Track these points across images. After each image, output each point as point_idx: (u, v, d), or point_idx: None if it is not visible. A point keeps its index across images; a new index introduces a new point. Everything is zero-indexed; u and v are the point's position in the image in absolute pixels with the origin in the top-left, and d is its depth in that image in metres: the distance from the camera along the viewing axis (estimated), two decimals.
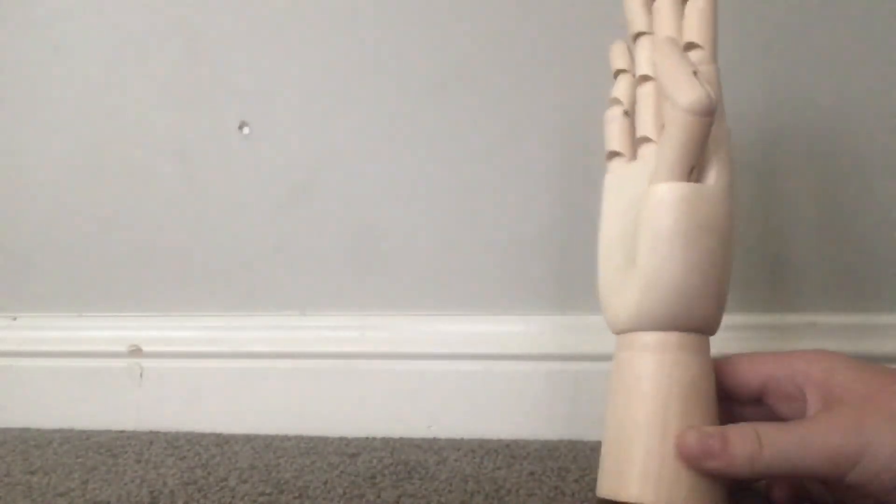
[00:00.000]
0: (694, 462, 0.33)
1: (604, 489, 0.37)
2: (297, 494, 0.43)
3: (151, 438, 0.56)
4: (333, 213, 0.60)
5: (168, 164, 0.62)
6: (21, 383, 0.63)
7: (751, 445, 0.32)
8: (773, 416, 0.36)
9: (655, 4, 0.41)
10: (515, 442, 0.53)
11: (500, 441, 0.53)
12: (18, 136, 0.64)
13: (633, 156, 0.43)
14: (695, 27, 0.39)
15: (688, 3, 0.40)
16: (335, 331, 0.59)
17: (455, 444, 0.53)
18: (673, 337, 0.36)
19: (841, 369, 0.33)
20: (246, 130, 0.61)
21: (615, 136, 0.43)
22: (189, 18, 0.60)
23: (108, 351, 0.61)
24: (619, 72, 0.45)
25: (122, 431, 0.59)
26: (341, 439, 0.55)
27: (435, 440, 0.54)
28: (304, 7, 0.59)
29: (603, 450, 0.38)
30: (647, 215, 0.36)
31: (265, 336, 0.60)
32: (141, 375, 0.61)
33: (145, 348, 0.61)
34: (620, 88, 0.44)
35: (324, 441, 0.55)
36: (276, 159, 0.60)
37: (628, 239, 0.39)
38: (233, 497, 0.42)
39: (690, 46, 0.39)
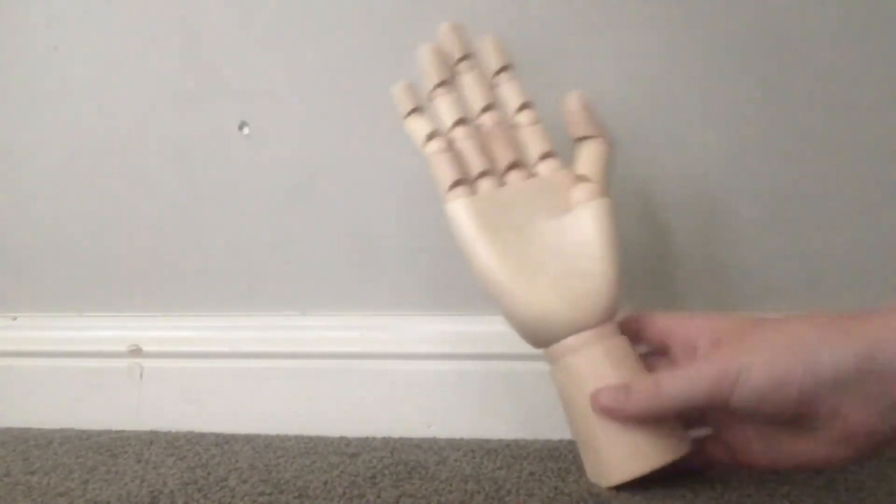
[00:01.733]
0: (609, 414, 0.40)
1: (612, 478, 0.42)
2: (297, 494, 0.43)
3: (151, 438, 0.56)
4: (333, 213, 0.60)
5: (168, 164, 0.62)
6: (21, 383, 0.63)
7: (651, 388, 0.39)
8: (676, 364, 0.43)
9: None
10: (515, 442, 0.53)
11: (500, 441, 0.54)
12: (18, 136, 0.64)
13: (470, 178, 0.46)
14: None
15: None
16: (335, 331, 0.59)
17: (455, 444, 0.53)
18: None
19: (724, 322, 0.41)
20: (246, 130, 0.61)
21: (455, 166, 0.45)
22: (189, 18, 0.60)
23: (108, 351, 0.62)
24: (414, 111, 0.47)
25: (122, 431, 0.59)
26: (341, 439, 0.55)
27: (435, 440, 0.54)
28: (304, 7, 0.59)
29: (588, 444, 0.43)
30: (597, 224, 0.44)
31: (265, 336, 0.60)
32: (141, 375, 0.61)
33: (145, 348, 0.61)
34: (428, 126, 0.47)
35: (324, 441, 0.55)
36: (276, 159, 0.60)
37: (550, 251, 0.44)
38: (233, 497, 0.42)
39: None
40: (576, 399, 0.42)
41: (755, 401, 0.36)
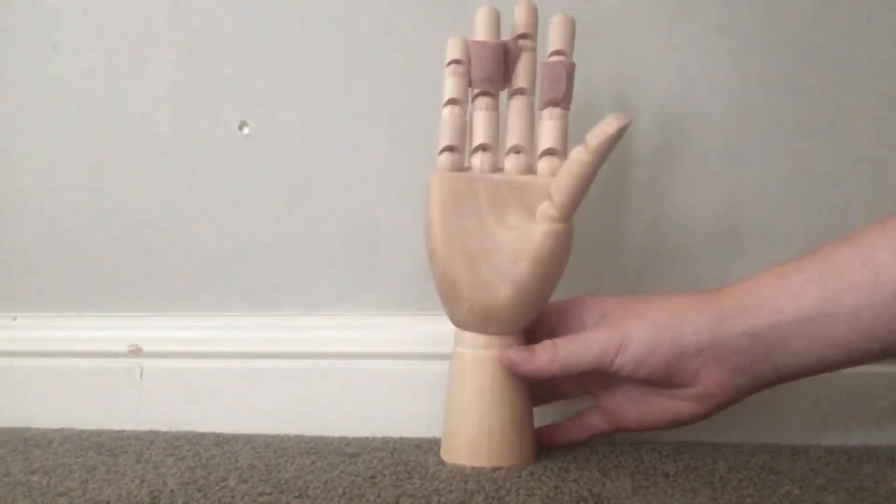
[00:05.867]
0: (514, 368, 0.46)
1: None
2: (297, 494, 0.43)
3: (151, 438, 0.56)
4: (333, 212, 0.60)
5: (168, 164, 0.62)
6: (21, 383, 0.62)
7: (550, 351, 0.45)
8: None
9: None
10: None
11: None
12: (18, 136, 0.64)
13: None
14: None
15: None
16: (335, 331, 0.59)
17: None
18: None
19: (609, 300, 0.47)
20: (246, 130, 0.61)
21: (455, 133, 0.49)
22: (189, 18, 0.60)
23: (108, 351, 0.61)
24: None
25: (122, 431, 0.59)
26: (341, 439, 0.55)
27: (435, 440, 0.54)
28: (304, 7, 0.59)
29: (457, 426, 0.48)
30: (537, 249, 0.45)
31: (265, 336, 0.60)
32: (141, 375, 0.61)
33: (145, 348, 0.61)
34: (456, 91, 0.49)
35: (324, 441, 0.55)
36: (276, 159, 0.60)
37: (490, 254, 0.46)
38: (233, 497, 0.42)
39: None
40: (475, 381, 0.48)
41: (632, 365, 0.43)
